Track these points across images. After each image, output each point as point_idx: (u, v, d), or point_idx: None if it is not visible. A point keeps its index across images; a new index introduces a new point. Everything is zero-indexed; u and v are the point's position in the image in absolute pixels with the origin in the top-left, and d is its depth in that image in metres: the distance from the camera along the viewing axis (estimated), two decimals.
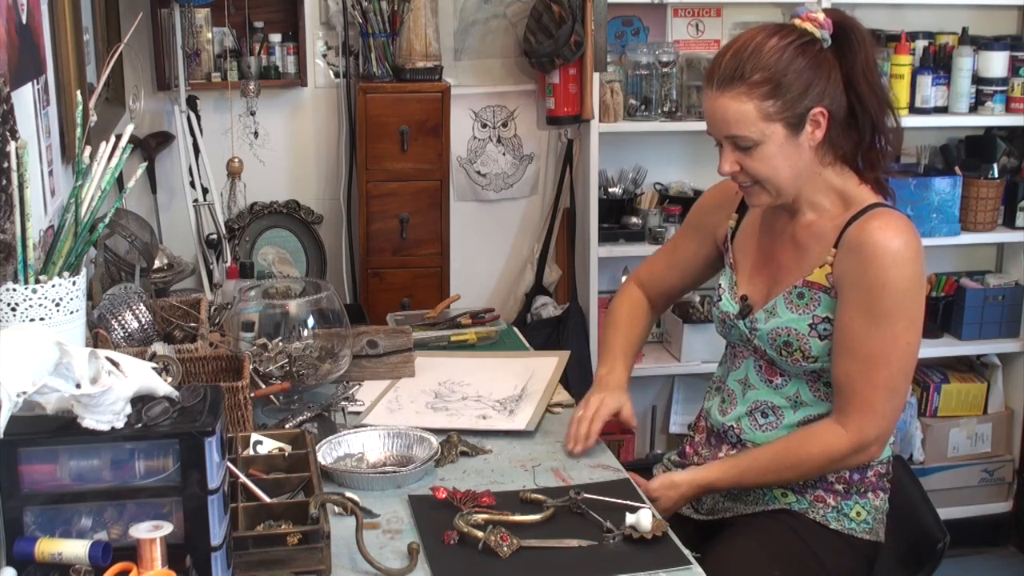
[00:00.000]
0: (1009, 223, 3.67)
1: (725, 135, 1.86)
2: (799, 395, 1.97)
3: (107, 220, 1.73)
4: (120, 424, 1.30)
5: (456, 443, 1.96)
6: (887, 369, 1.85)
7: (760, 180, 1.88)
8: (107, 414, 1.29)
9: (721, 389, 2.10)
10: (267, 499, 1.62)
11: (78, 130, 1.73)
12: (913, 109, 3.51)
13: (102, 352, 1.32)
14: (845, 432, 1.88)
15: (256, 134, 3.41)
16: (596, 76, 3.37)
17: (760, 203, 1.94)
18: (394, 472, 1.85)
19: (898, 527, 2.06)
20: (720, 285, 2.09)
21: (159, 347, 1.91)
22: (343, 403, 2.08)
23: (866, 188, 1.93)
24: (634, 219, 3.56)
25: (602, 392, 2.07)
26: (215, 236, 3.17)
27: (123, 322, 2.10)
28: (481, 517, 1.66)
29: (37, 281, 1.55)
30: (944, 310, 3.76)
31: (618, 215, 3.57)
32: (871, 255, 1.83)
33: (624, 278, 3.62)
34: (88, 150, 1.64)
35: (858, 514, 1.98)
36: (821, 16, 1.85)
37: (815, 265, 1.92)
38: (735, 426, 2.02)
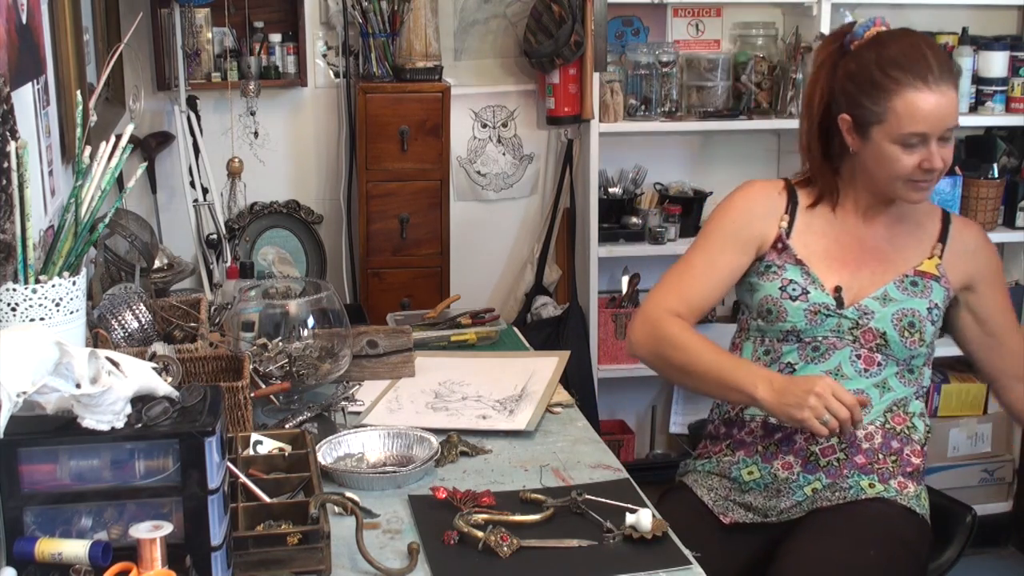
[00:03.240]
0: (1009, 223, 3.67)
1: (948, 127, 1.97)
2: (887, 382, 2.06)
3: (107, 220, 1.72)
4: (120, 424, 1.30)
5: (456, 443, 1.96)
6: None
7: (944, 170, 2.02)
8: (107, 414, 1.29)
9: None
10: (267, 499, 1.62)
11: (78, 130, 1.73)
12: None
13: (102, 352, 1.32)
14: None
15: (256, 134, 3.41)
16: (596, 76, 3.37)
17: (927, 197, 2.08)
18: (394, 472, 1.85)
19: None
20: (792, 280, 2.06)
21: (159, 347, 1.91)
22: (343, 403, 2.08)
23: None
24: (634, 219, 3.55)
25: (820, 384, 1.88)
26: (215, 236, 3.17)
27: (123, 322, 2.10)
28: (481, 517, 1.66)
29: (37, 281, 1.54)
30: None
31: (618, 215, 3.57)
32: (992, 252, 2.18)
33: (624, 278, 3.62)
34: (88, 150, 1.64)
35: (924, 499, 2.08)
36: None
37: (923, 257, 2.11)
38: None
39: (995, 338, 2.16)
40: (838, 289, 2.06)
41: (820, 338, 2.06)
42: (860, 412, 1.88)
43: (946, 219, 2.16)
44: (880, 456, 2.03)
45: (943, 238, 2.13)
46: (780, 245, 2.10)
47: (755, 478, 2.06)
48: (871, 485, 2.02)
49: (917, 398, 2.11)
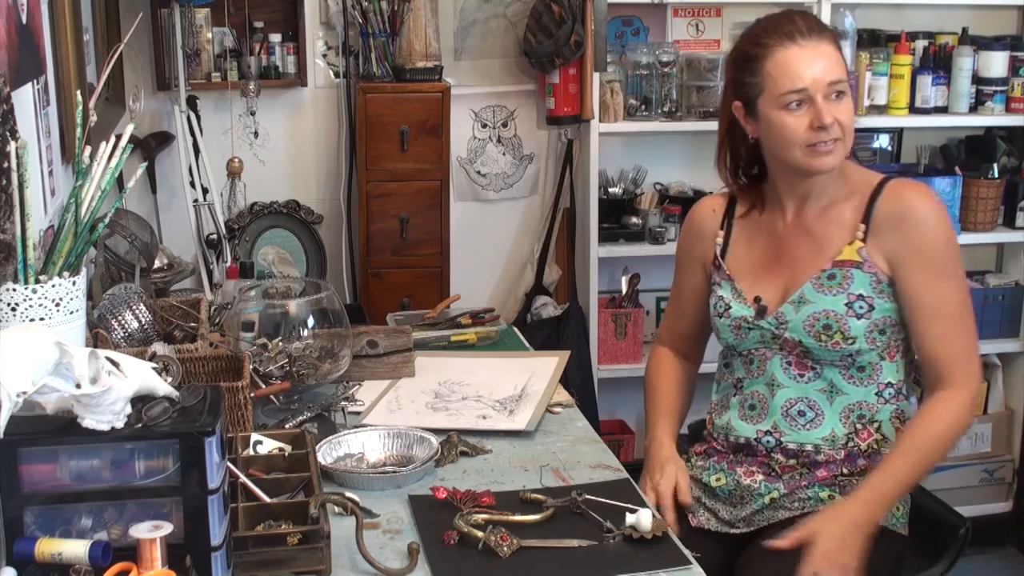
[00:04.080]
0: (1009, 223, 3.67)
1: (831, 80, 1.89)
2: (833, 385, 1.97)
3: (107, 220, 1.72)
4: (120, 424, 1.30)
5: (456, 443, 1.96)
6: (968, 316, 1.94)
7: (846, 132, 1.91)
8: (107, 414, 1.29)
9: (739, 402, 2.06)
10: (267, 499, 1.62)
11: (78, 130, 1.73)
12: (913, 109, 3.51)
13: (102, 352, 1.32)
14: (960, 392, 1.92)
15: (256, 134, 3.41)
16: (596, 76, 3.37)
17: (835, 163, 1.92)
18: (394, 472, 1.85)
19: (912, 521, 2.06)
20: (721, 297, 2.07)
21: (159, 347, 1.91)
22: (343, 403, 2.08)
23: (852, 161, 2.01)
24: (634, 219, 3.56)
25: (660, 470, 2.06)
26: (215, 236, 3.17)
27: (123, 322, 2.10)
28: (481, 517, 1.66)
29: (37, 281, 1.54)
30: None
31: (618, 215, 3.57)
32: (922, 221, 1.90)
33: (624, 278, 3.63)
34: (88, 150, 1.64)
35: (897, 508, 1.99)
36: None
37: (842, 244, 1.95)
38: (771, 430, 2.00)
39: (918, 321, 1.93)
40: (757, 299, 2.01)
41: (753, 351, 2.04)
42: (670, 514, 1.99)
43: (877, 193, 1.95)
44: (844, 471, 1.98)
45: (867, 216, 1.94)
46: (716, 263, 2.10)
47: (721, 484, 2.04)
48: (830, 496, 1.96)
49: (886, 400, 1.98)
